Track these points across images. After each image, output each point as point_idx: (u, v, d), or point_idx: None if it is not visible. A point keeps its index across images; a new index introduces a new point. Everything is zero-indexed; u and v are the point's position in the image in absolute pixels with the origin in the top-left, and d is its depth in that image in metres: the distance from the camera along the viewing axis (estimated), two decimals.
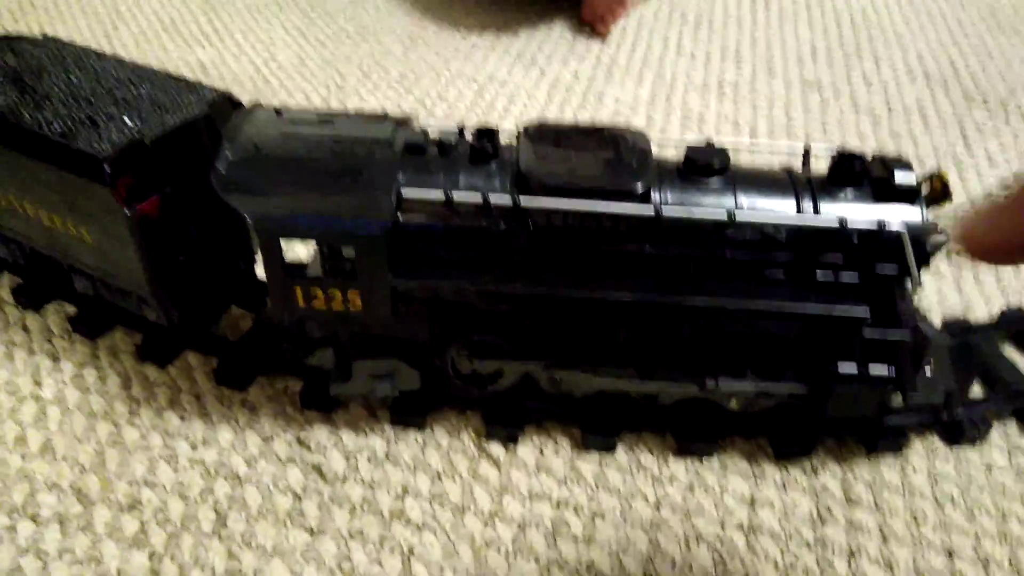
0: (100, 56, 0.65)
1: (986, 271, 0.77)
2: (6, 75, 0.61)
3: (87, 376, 0.64)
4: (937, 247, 0.52)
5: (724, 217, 0.50)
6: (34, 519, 0.54)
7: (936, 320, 0.71)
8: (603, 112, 1.03)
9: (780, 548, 0.54)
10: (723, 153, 0.53)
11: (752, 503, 0.57)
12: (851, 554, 0.54)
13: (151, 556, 0.52)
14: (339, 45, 1.16)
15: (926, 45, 1.21)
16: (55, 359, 0.65)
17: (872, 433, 0.60)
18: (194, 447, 0.59)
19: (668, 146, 0.58)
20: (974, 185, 0.90)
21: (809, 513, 0.56)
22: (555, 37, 1.21)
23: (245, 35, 1.17)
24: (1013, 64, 1.16)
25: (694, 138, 0.72)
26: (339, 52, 1.14)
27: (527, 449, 0.60)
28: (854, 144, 0.97)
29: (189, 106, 0.58)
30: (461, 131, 0.54)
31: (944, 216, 0.52)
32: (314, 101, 1.02)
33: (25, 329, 0.68)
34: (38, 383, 0.63)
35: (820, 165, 0.54)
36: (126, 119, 0.56)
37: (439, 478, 0.58)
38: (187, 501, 0.55)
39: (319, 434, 0.60)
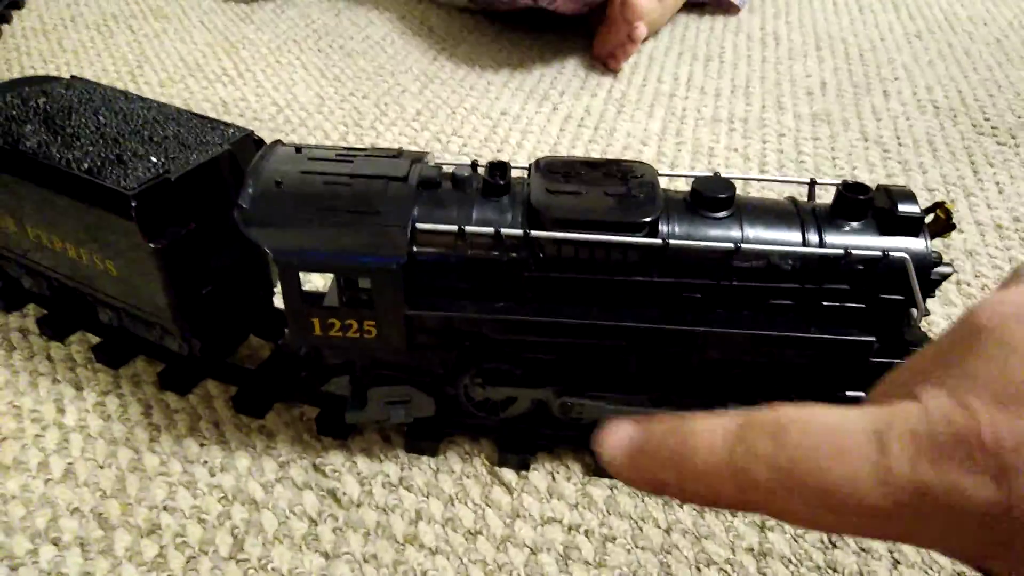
0: (127, 96, 0.68)
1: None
2: (37, 115, 0.64)
3: (109, 404, 0.66)
4: (942, 277, 0.53)
5: (730, 246, 0.51)
6: (56, 543, 0.55)
7: None
8: (615, 146, 1.04)
9: (791, 572, 0.54)
10: (729, 185, 0.54)
11: (763, 527, 0.57)
12: None
13: None
14: (357, 83, 1.19)
15: (935, 77, 1.22)
16: (78, 388, 0.67)
17: None
18: (212, 473, 0.60)
19: (678, 179, 0.59)
20: (984, 215, 0.91)
21: (820, 537, 0.57)
22: (568, 73, 1.23)
23: (266, 75, 1.20)
24: (1022, 94, 1.17)
25: (703, 171, 0.74)
26: (357, 90, 1.17)
27: (539, 475, 0.61)
28: (864, 176, 0.98)
29: (213, 144, 0.61)
30: (474, 165, 0.56)
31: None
32: (333, 138, 1.04)
33: (49, 359, 0.70)
34: (61, 411, 0.65)
35: (828, 196, 0.55)
36: (152, 157, 0.58)
37: (452, 503, 0.58)
38: (205, 526, 0.57)
39: (335, 460, 0.61)
